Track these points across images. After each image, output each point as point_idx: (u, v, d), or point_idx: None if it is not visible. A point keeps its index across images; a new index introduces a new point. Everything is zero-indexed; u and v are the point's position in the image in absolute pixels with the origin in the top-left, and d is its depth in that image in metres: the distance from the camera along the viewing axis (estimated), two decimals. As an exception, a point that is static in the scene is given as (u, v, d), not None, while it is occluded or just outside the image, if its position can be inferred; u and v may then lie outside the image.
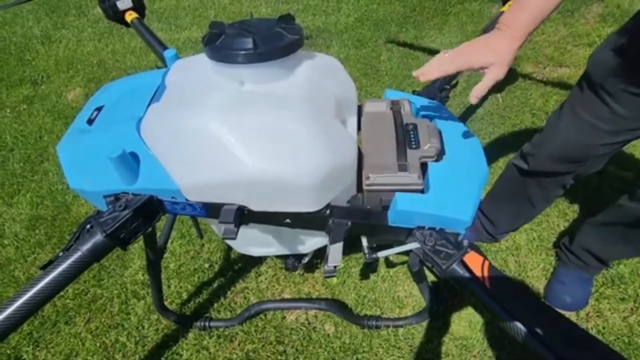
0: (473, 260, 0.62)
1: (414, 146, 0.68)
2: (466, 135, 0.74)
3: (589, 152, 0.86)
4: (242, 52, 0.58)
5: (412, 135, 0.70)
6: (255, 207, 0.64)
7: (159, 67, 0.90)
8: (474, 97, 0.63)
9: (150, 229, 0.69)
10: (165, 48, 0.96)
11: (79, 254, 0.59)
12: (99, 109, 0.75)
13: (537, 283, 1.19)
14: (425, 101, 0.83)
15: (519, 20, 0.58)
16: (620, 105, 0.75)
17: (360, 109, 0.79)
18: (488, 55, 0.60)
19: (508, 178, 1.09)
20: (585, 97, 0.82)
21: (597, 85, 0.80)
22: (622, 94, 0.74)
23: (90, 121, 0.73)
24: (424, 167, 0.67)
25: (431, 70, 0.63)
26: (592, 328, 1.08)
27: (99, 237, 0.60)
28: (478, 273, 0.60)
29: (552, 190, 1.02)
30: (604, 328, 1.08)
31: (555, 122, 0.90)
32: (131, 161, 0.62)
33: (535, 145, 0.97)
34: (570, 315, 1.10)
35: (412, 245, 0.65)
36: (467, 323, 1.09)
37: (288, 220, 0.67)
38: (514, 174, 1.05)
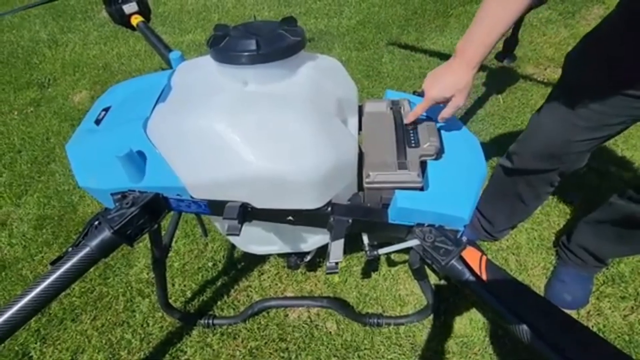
0: (471, 256, 0.63)
1: (413, 145, 0.69)
2: (465, 134, 0.75)
3: (569, 149, 0.88)
4: (246, 53, 0.60)
5: (412, 135, 0.71)
6: (258, 204, 0.65)
7: (163, 69, 0.92)
8: (440, 119, 0.71)
9: (156, 227, 0.71)
10: (170, 51, 0.98)
11: (87, 249, 0.61)
12: (106, 110, 0.77)
13: (538, 282, 1.19)
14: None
15: (470, 51, 0.63)
16: (595, 101, 0.77)
17: (361, 109, 0.80)
18: (449, 87, 0.66)
19: (497, 177, 1.11)
20: (563, 95, 0.84)
21: (573, 83, 0.83)
22: (596, 90, 0.76)
23: (98, 121, 0.75)
24: (423, 165, 0.68)
25: (416, 112, 0.72)
26: (592, 326, 1.09)
27: (106, 234, 0.61)
28: (476, 268, 0.61)
29: (540, 188, 1.03)
30: (604, 326, 1.08)
31: (537, 120, 0.92)
32: (138, 160, 0.64)
33: (519, 143, 0.99)
34: (571, 313, 1.11)
35: (413, 242, 0.66)
36: (468, 321, 1.10)
37: (290, 218, 0.68)
38: (501, 174, 1.07)
